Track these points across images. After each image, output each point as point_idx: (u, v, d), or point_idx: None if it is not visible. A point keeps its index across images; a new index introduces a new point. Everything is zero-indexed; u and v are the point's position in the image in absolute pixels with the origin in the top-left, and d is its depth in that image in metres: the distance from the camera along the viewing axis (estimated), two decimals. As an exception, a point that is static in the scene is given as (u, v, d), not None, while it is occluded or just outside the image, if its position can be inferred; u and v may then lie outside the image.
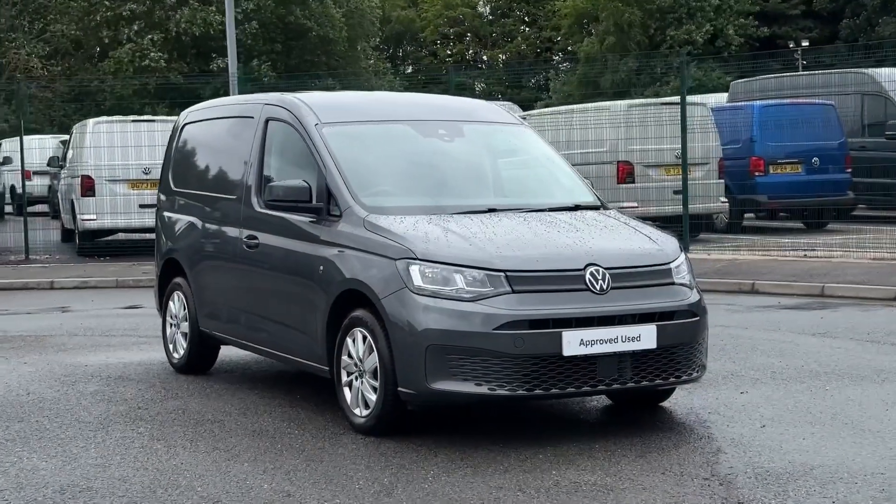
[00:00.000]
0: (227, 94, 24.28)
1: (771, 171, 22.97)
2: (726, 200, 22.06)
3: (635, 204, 20.95)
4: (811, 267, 16.64)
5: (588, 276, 7.64)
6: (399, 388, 7.59)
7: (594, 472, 6.92)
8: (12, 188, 35.99)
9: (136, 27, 48.37)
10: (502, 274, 7.51)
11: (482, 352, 7.35)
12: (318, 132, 8.73)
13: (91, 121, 22.87)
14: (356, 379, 7.99)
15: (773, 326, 12.55)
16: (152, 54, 46.77)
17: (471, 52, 72.64)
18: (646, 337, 7.64)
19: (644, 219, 21.90)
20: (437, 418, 8.34)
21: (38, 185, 34.78)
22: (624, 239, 8.21)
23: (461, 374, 7.40)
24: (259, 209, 9.11)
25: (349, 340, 8.01)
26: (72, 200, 22.70)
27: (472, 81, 61.17)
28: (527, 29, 71.68)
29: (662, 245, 8.22)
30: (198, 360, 10.30)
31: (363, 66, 54.15)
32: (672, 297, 7.91)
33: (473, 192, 8.84)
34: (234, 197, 9.52)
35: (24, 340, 12.74)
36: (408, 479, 6.82)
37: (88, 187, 21.87)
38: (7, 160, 33.77)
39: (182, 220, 10.42)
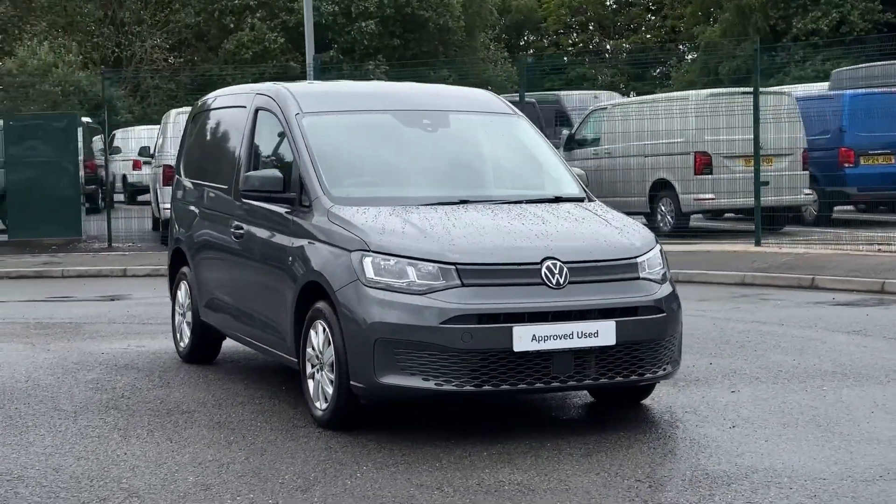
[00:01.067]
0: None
1: (861, 163, 22.25)
2: (811, 192, 21.42)
3: (712, 196, 20.55)
4: (878, 262, 16.06)
5: (545, 269, 7.43)
6: (351, 382, 7.49)
7: (527, 471, 6.72)
8: (123, 177, 36.86)
9: (259, 15, 49.05)
10: (453, 267, 7.35)
11: (430, 346, 7.20)
12: (298, 122, 8.65)
13: (173, 111, 23.19)
14: (318, 371, 7.91)
15: (811, 323, 12.13)
16: (268, 35, 47.42)
17: (595, 41, 71.96)
18: (604, 333, 7.40)
19: (721, 211, 21.78)
20: (411, 412, 8.22)
21: (146, 174, 35.38)
22: (590, 232, 7.95)
23: (409, 368, 7.27)
24: (244, 199, 9.07)
25: (312, 332, 7.93)
26: (156, 190, 23.05)
27: (594, 72, 60.64)
28: (652, 17, 70.75)
29: (631, 238, 7.95)
30: (200, 350, 10.32)
31: (481, 56, 53.96)
32: (636, 293, 7.65)
33: (449, 182, 8.63)
34: (226, 187, 9.52)
35: (62, 327, 12.93)
36: (334, 475, 6.70)
37: (169, 177, 22.13)
38: (116, 150, 34.52)
39: (188, 209, 10.45)
